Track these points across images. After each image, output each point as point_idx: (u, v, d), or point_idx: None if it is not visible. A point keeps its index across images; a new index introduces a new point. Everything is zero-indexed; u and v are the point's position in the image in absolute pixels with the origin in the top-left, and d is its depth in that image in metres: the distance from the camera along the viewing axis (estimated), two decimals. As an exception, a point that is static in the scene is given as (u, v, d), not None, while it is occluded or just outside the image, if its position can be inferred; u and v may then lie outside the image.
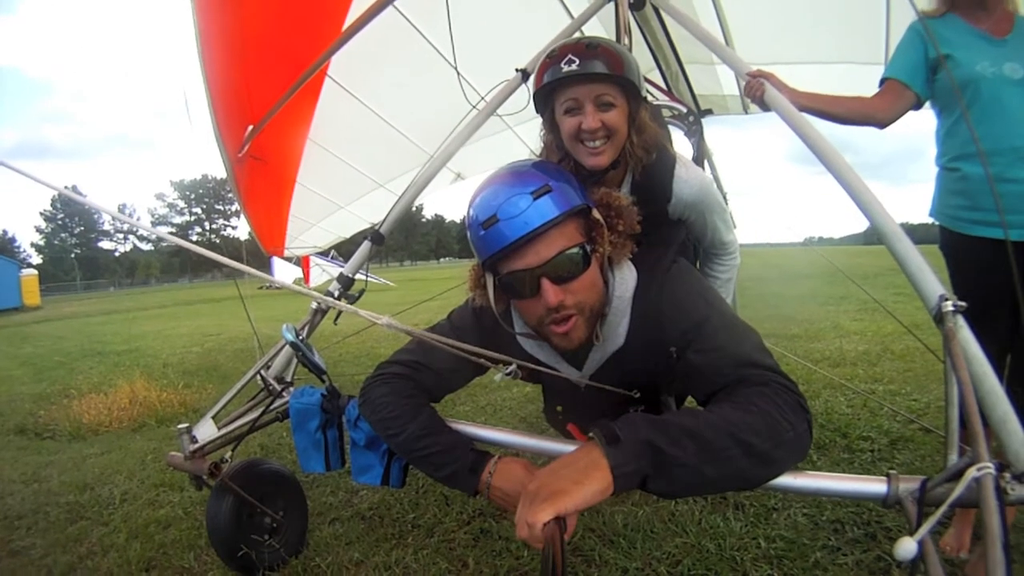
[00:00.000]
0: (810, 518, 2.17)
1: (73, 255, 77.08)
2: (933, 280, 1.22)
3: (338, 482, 2.78)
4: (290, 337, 1.61)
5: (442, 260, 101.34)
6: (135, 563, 2.17)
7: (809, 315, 7.59)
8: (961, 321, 1.14)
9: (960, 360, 1.06)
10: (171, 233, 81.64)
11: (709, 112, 4.45)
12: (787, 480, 1.06)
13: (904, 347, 5.18)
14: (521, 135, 4.15)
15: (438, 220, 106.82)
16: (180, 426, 1.85)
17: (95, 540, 2.41)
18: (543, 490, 0.91)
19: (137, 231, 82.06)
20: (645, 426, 0.97)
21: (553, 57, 1.39)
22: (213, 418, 1.92)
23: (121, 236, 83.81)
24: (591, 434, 0.98)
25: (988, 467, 0.89)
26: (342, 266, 2.33)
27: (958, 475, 0.94)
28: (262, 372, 2.04)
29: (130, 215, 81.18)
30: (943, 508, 0.86)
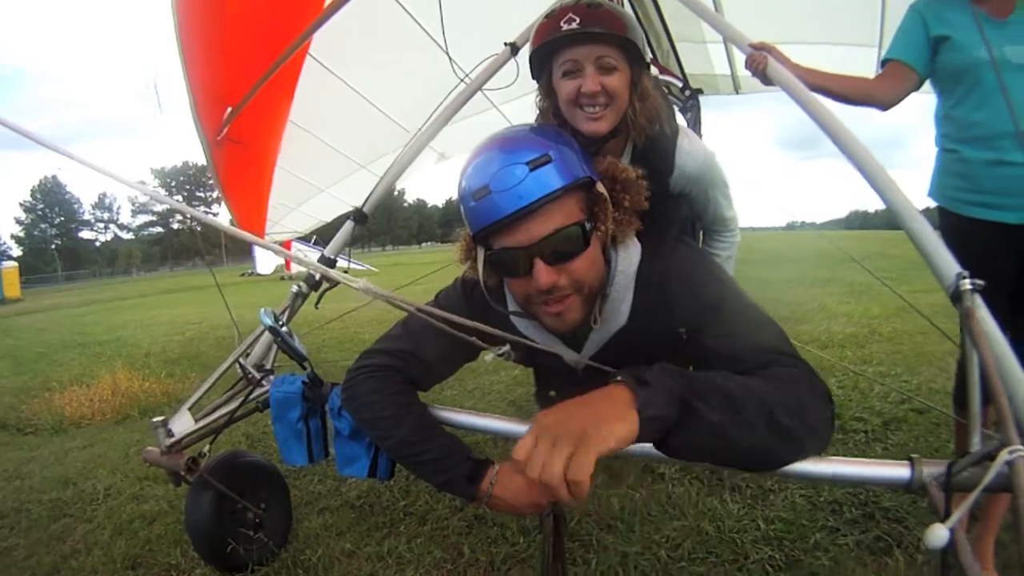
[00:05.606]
0: (808, 499, 2.16)
1: (54, 246, 75.43)
2: (949, 258, 1.17)
3: (325, 470, 2.70)
4: (268, 322, 1.53)
5: (424, 245, 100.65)
6: (120, 561, 2.10)
7: (795, 297, 7.62)
8: (979, 300, 1.09)
9: (982, 339, 1.01)
10: (151, 223, 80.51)
11: (700, 92, 4.38)
12: (806, 466, 1.01)
13: (892, 329, 5.21)
14: (507, 114, 4.04)
15: (419, 205, 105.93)
16: (155, 419, 1.76)
17: (79, 538, 2.33)
18: (564, 431, 0.76)
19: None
20: (674, 375, 0.87)
21: (552, 17, 1.30)
22: (190, 410, 1.83)
23: (102, 226, 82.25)
24: (616, 377, 0.86)
25: (1021, 450, 0.84)
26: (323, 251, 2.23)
27: (987, 458, 0.89)
28: (241, 360, 1.95)
29: (109, 206, 79.93)
30: (976, 493, 0.82)
